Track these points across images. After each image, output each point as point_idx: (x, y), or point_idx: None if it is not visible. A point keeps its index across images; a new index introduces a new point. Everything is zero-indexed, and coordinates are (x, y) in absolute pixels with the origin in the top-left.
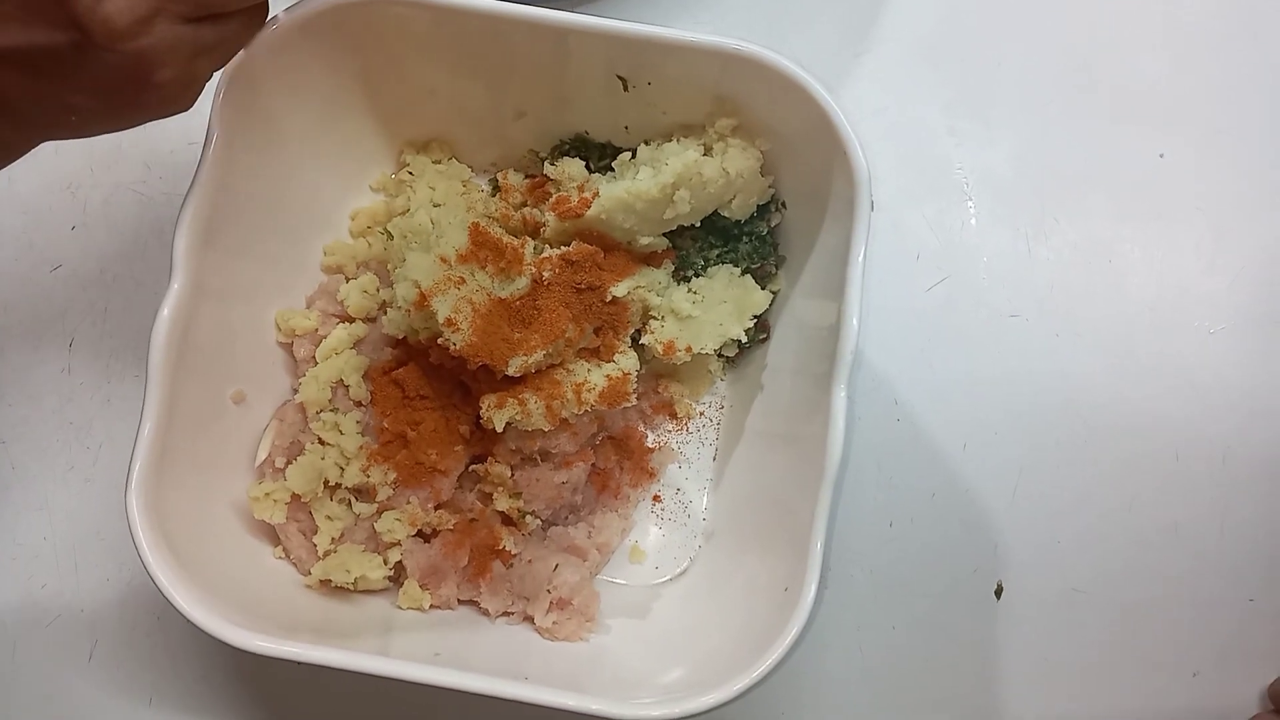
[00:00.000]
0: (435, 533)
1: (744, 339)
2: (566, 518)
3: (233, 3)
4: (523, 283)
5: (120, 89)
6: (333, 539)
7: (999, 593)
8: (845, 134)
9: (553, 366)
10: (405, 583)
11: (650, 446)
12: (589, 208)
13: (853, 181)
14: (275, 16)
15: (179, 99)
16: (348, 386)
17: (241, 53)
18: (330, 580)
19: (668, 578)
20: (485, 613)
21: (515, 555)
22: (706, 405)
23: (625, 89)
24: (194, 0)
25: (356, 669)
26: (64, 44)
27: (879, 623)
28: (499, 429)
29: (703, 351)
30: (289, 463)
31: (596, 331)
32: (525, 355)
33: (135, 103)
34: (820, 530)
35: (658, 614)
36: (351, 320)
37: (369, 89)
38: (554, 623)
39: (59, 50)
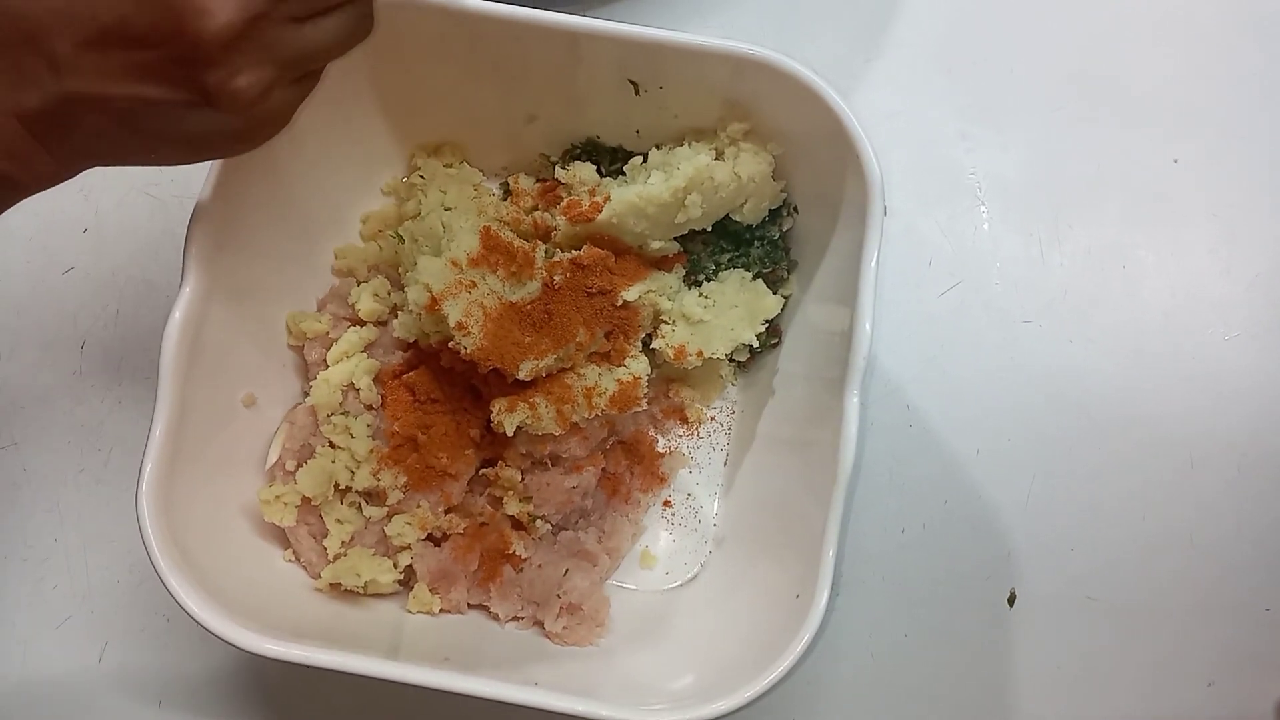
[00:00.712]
0: (445, 537)
1: (755, 344)
2: (577, 522)
3: (330, 55)
4: (534, 287)
5: (219, 144)
6: (343, 542)
7: (1012, 600)
8: (858, 138)
9: (563, 371)
10: (415, 587)
11: (661, 451)
12: (600, 212)
13: (865, 186)
14: None
15: (263, 142)
16: (358, 390)
17: None
18: (340, 584)
19: (678, 583)
20: (495, 617)
21: (525, 560)
22: (717, 410)
23: (637, 93)
24: (301, 64)
25: (366, 673)
26: (176, 102)
27: (891, 630)
28: (509, 433)
29: (714, 356)
30: (299, 466)
31: (607, 336)
32: (536, 359)
33: (225, 151)
34: (832, 537)
35: (668, 620)
36: (362, 324)
37: (380, 92)
38: (564, 628)
39: (167, 106)
